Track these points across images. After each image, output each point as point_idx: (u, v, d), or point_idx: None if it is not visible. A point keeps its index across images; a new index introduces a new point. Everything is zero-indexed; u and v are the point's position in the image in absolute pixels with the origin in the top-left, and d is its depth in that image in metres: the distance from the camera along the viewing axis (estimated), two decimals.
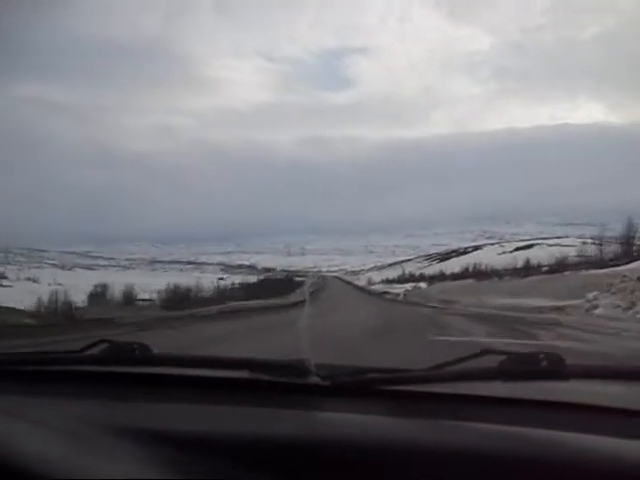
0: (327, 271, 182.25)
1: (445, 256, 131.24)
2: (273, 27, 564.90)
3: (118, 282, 25.21)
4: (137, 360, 1.12)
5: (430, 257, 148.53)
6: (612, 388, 1.01)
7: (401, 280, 69.34)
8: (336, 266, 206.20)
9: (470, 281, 39.64)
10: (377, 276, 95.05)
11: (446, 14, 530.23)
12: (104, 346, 1.15)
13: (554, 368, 0.95)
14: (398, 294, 39.72)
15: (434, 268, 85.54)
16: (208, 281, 34.43)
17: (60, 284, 28.75)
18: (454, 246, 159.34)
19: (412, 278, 69.54)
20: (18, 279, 44.23)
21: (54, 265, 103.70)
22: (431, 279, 59.08)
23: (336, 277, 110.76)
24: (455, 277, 51.45)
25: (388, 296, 39.65)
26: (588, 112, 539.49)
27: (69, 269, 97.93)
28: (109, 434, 0.73)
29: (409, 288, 47.10)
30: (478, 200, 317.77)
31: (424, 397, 0.94)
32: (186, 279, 30.68)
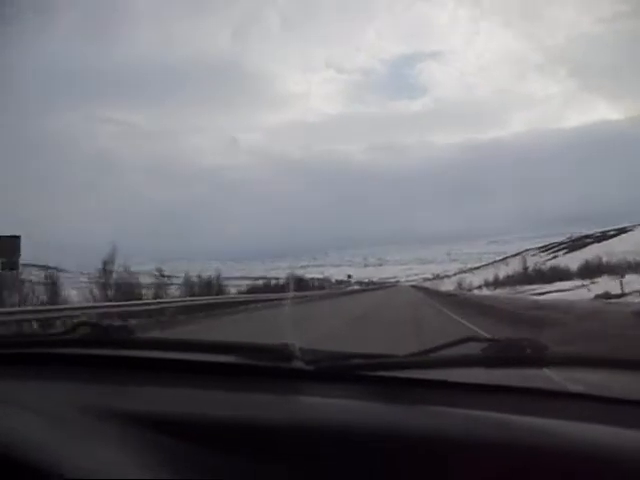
0: (405, 280, 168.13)
1: (575, 243, 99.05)
2: (341, 38, 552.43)
3: None
4: (119, 343, 1.11)
5: (548, 248, 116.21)
6: (594, 376, 1.01)
7: (521, 280, 47.74)
8: (416, 275, 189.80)
9: None
10: (472, 278, 74.93)
11: (518, 10, 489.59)
12: (86, 329, 1.15)
13: (537, 355, 0.95)
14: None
15: (570, 259, 61.60)
16: None
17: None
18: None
19: (538, 276, 47.04)
20: None
21: None
22: (581, 274, 38.08)
23: (413, 286, 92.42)
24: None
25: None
26: None
27: None
28: (90, 417, 0.73)
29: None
30: (562, 202, 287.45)
31: (407, 383, 0.94)
32: None
